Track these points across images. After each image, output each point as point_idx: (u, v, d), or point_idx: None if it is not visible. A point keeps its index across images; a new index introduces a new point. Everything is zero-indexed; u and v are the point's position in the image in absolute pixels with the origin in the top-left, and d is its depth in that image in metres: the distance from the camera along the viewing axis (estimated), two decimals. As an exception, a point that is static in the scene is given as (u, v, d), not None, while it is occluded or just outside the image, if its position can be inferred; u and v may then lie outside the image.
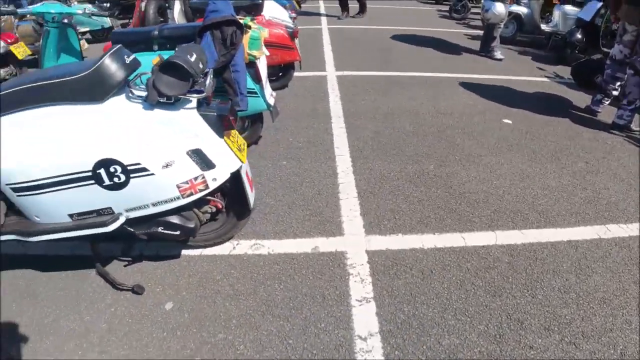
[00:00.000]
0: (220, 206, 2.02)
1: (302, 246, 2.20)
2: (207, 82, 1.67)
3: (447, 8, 9.68)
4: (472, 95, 4.32)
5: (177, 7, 5.37)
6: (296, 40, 5.17)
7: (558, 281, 1.98)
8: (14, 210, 1.80)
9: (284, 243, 2.23)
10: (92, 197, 1.69)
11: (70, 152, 1.59)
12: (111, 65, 1.57)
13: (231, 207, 2.07)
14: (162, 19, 4.35)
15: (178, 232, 1.88)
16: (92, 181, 1.65)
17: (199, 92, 1.67)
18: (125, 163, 1.61)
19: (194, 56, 1.68)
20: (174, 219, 1.86)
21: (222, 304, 1.87)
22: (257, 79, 2.84)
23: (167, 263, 2.12)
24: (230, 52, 2.50)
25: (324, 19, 8.72)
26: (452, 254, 2.12)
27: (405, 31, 7.45)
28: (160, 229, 1.86)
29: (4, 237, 1.79)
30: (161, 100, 1.60)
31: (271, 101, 2.95)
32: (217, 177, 1.76)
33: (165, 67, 1.54)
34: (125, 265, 2.12)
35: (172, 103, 1.64)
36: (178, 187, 1.70)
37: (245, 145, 2.01)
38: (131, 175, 1.64)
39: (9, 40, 5.35)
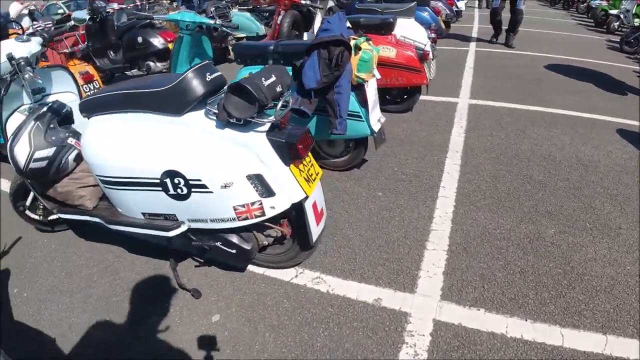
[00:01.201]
0: (286, 233, 1.93)
1: (365, 293, 1.99)
2: (279, 107, 1.59)
3: (618, 39, 8.11)
4: (629, 147, 3.47)
5: (318, 21, 5.52)
6: (432, 63, 4.87)
7: None
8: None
9: (347, 284, 2.05)
10: (160, 202, 1.76)
11: (144, 159, 1.68)
12: (191, 82, 1.60)
13: (297, 235, 1.96)
14: (297, 32, 4.48)
15: (234, 251, 1.86)
16: (160, 188, 1.71)
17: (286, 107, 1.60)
18: (188, 177, 1.63)
19: (271, 79, 1.62)
20: (232, 238, 1.84)
21: (263, 332, 1.79)
22: (363, 102, 2.69)
23: (231, 274, 2.13)
24: (334, 74, 2.39)
25: (473, 41, 8.11)
26: (541, 353, 1.66)
27: (562, 60, 6.44)
28: (218, 244, 1.87)
29: (92, 219, 1.99)
30: (231, 121, 1.56)
31: (377, 127, 2.77)
32: (276, 205, 1.66)
33: (235, 89, 1.50)
34: (195, 266, 2.19)
35: (243, 124, 1.59)
36: (234, 208, 1.66)
37: (319, 175, 1.88)
38: (192, 190, 1.66)
39: (168, 39, 6.16)
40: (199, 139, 1.63)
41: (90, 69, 4.99)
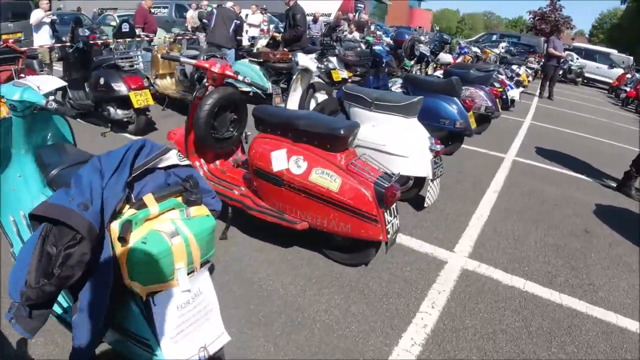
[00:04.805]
0: None
1: None
2: None
3: None
4: None
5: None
6: (434, 184, 3.51)
7: None
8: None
9: None
10: None
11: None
12: None
13: None
14: (234, 117, 3.20)
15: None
16: None
17: None
18: None
19: None
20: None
21: None
22: (151, 323, 1.36)
23: None
24: (43, 289, 1.12)
25: (516, 145, 6.62)
26: None
27: (624, 200, 4.81)
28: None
29: None
30: None
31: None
32: None
33: None
34: None
35: None
36: None
37: None
38: None
39: (132, 85, 5.22)
40: None
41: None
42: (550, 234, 3.67)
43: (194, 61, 3.20)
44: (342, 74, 8.53)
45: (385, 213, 2.49)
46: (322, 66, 8.21)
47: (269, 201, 2.86)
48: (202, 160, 3.35)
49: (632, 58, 21.90)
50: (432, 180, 3.57)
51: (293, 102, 4.22)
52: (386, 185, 2.45)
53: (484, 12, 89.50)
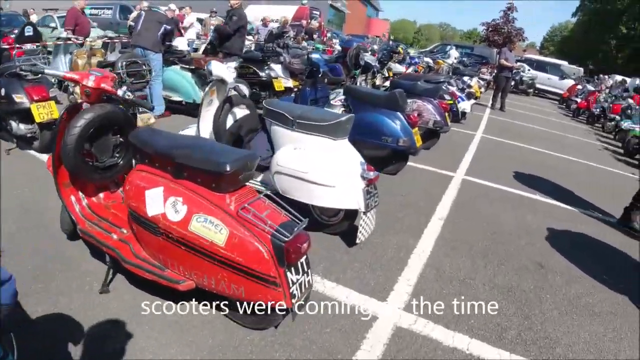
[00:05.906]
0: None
1: None
2: None
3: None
4: None
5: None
6: (368, 216, 3.01)
7: None
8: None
9: None
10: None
11: None
12: None
13: None
14: (120, 140, 2.57)
15: None
16: None
17: None
18: None
19: None
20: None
21: None
22: None
23: None
24: None
25: (466, 161, 6.32)
26: None
27: (579, 219, 4.50)
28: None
29: None
30: None
31: None
32: None
33: None
34: None
35: None
36: None
37: None
38: None
39: (34, 97, 4.50)
40: None
41: None
42: (500, 271, 3.24)
43: (61, 73, 2.57)
44: (286, 82, 8.03)
45: (288, 272, 1.93)
46: (264, 74, 7.73)
47: (149, 252, 2.25)
48: (80, 193, 2.70)
49: (582, 69, 22.64)
50: (364, 213, 3.06)
51: (207, 119, 3.63)
52: (287, 238, 1.89)
53: (440, 23, 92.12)
